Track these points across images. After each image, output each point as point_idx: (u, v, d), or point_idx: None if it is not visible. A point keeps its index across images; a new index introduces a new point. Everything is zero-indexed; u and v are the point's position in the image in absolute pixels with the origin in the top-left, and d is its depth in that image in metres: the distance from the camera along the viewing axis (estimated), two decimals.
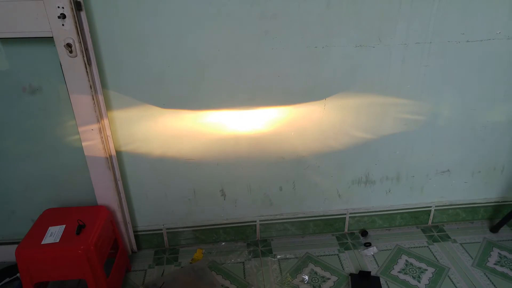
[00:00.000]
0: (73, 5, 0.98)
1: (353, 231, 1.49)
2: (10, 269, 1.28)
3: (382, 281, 1.25)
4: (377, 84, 1.21)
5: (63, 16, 0.98)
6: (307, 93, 1.20)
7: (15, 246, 1.05)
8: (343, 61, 1.16)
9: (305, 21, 1.08)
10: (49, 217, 1.15)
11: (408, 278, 1.27)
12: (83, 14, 1.01)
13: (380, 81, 1.21)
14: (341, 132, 1.28)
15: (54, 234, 1.07)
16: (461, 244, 1.42)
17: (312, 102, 1.21)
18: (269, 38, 1.09)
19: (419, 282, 1.25)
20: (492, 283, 1.24)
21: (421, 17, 1.12)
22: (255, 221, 1.42)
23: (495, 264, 1.32)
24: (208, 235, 1.41)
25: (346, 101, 1.22)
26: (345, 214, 1.45)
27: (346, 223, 1.47)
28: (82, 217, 1.12)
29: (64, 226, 1.10)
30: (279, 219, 1.42)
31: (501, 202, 1.51)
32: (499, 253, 1.37)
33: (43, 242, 1.04)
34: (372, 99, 1.23)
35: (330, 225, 1.46)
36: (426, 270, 1.30)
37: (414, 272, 1.30)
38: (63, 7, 0.98)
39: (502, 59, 1.22)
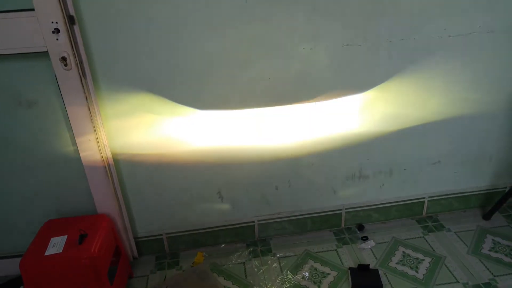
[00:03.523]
0: (66, 20, 1.01)
1: (350, 226, 1.52)
2: (13, 282, 1.29)
3: (380, 273, 1.28)
4: (365, 81, 1.25)
5: (57, 31, 1.01)
6: (298, 93, 1.23)
7: (17, 259, 1.06)
8: (331, 61, 1.19)
9: (293, 24, 1.12)
10: (50, 228, 1.16)
11: (406, 269, 1.30)
12: (76, 27, 1.04)
13: (368, 78, 1.25)
14: (333, 129, 1.31)
15: (56, 244, 1.08)
16: (455, 232, 1.46)
17: (303, 101, 1.24)
18: (258, 41, 1.13)
19: (417, 272, 1.28)
20: (488, 269, 1.27)
21: (404, 14, 1.16)
22: (253, 222, 1.44)
23: (489, 250, 1.36)
24: (207, 237, 1.43)
25: (337, 99, 1.26)
26: (341, 209, 1.48)
27: (343, 218, 1.49)
28: (83, 227, 1.14)
29: (66, 236, 1.11)
30: (276, 218, 1.44)
31: (492, 189, 1.55)
32: (492, 239, 1.41)
33: (46, 253, 1.05)
34: (362, 96, 1.27)
35: (327, 221, 1.49)
36: (423, 260, 1.33)
37: (412, 262, 1.32)
38: (56, 22, 1.00)
39: (484, 52, 1.26)
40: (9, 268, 1.32)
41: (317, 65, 1.19)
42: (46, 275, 1.04)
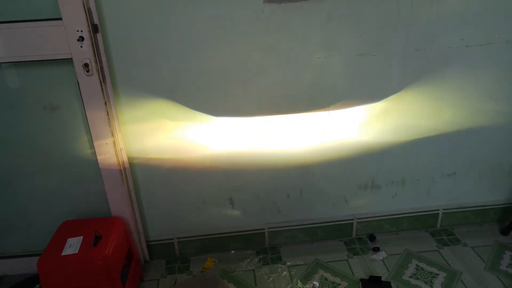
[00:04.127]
0: (91, 28, 1.06)
1: (361, 236, 1.49)
2: (30, 280, 1.32)
3: (393, 286, 1.25)
4: (379, 91, 1.25)
5: (81, 39, 1.06)
6: (312, 102, 1.23)
7: (34, 258, 1.09)
8: (345, 70, 1.20)
9: (307, 33, 1.13)
10: (67, 229, 1.19)
11: (420, 283, 1.26)
12: (99, 35, 1.08)
13: (382, 88, 1.24)
14: (346, 138, 1.31)
15: (73, 245, 1.11)
16: (472, 247, 1.41)
17: (316, 110, 1.25)
18: (273, 50, 1.14)
19: (431, 287, 1.24)
20: (506, 286, 1.22)
21: (420, 24, 1.15)
22: (264, 229, 1.43)
23: (507, 267, 1.31)
24: (218, 243, 1.43)
25: (350, 108, 1.26)
26: (353, 219, 1.46)
27: (354, 228, 1.47)
28: (98, 229, 1.16)
29: (81, 237, 1.14)
30: (287, 226, 1.44)
31: (510, 203, 1.50)
32: (511, 255, 1.36)
33: (63, 253, 1.07)
34: (375, 106, 1.26)
35: (338, 231, 1.47)
36: (438, 274, 1.29)
37: (426, 277, 1.29)
38: (81, 31, 1.05)
39: (502, 63, 1.24)
40: (27, 266, 1.35)
41: (331, 74, 1.20)
42: (63, 275, 1.07)
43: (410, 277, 1.29)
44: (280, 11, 1.09)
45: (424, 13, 1.14)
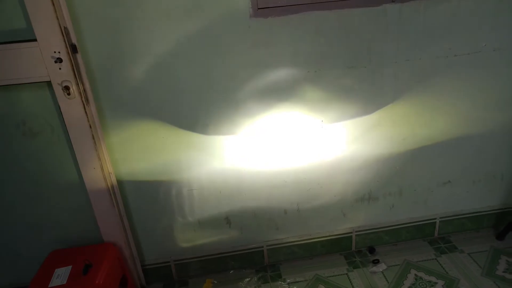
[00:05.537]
0: (69, 49, 0.99)
1: (361, 249, 1.49)
2: None
3: None
4: (372, 103, 1.23)
5: (59, 60, 1.00)
6: (304, 116, 1.21)
7: None
8: (336, 83, 1.18)
9: (296, 47, 1.10)
10: (55, 258, 1.14)
11: None
12: (79, 56, 1.02)
13: (374, 100, 1.23)
14: (340, 151, 1.29)
15: (61, 275, 1.06)
16: (468, 254, 1.42)
17: (309, 124, 1.22)
18: (262, 66, 1.11)
19: None
20: None
21: (408, 35, 1.15)
22: (262, 246, 1.41)
23: (504, 272, 1.32)
24: (216, 264, 1.40)
25: (343, 121, 1.24)
26: (351, 232, 1.45)
27: (353, 241, 1.46)
28: (89, 256, 1.11)
29: (70, 267, 1.09)
30: (286, 242, 1.41)
31: (504, 209, 1.52)
32: (507, 260, 1.38)
33: (50, 285, 1.03)
34: (369, 118, 1.25)
35: (337, 245, 1.46)
36: (436, 283, 1.30)
37: (425, 286, 1.29)
38: (59, 52, 0.99)
39: (490, 70, 1.25)
40: None
41: (322, 87, 1.17)
42: None
43: (410, 287, 1.29)
44: (267, 25, 1.06)
45: (411, 24, 1.13)
